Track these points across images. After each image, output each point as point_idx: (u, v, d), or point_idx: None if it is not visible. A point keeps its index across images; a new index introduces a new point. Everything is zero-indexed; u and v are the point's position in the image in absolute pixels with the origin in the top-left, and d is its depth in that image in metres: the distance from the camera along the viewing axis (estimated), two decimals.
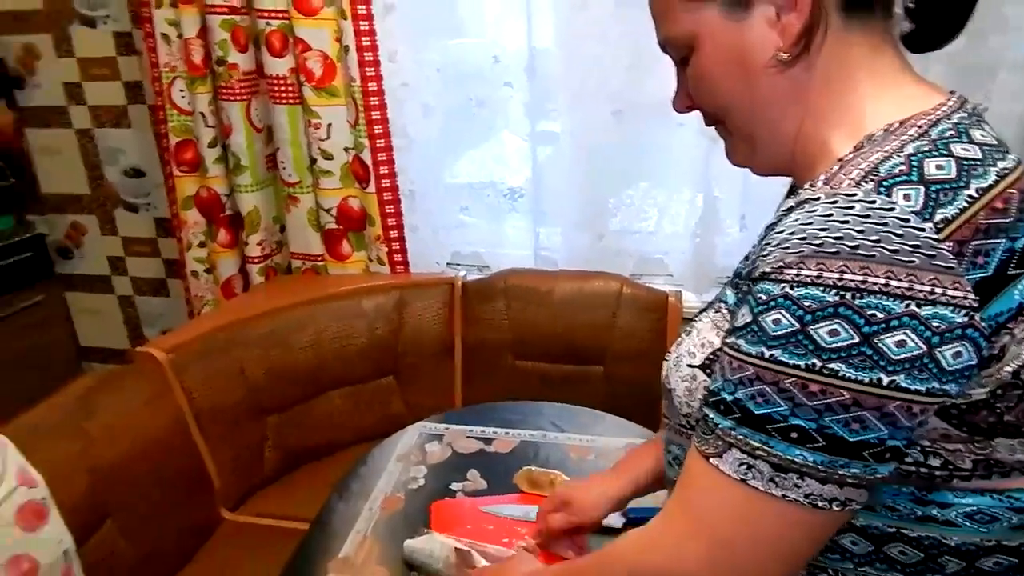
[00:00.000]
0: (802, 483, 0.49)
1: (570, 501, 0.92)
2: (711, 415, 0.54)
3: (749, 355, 0.51)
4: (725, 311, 0.63)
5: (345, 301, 1.74)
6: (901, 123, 0.53)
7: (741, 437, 0.51)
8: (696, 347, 0.64)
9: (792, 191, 0.74)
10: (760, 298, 0.51)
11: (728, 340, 0.54)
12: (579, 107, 1.61)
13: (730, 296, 0.63)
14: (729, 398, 0.52)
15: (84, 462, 1.21)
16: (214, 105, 1.71)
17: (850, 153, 0.55)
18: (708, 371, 0.62)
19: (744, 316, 0.52)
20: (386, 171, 1.72)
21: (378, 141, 1.68)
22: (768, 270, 0.50)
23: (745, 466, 0.51)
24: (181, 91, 1.74)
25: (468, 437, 1.25)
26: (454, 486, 1.11)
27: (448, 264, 1.87)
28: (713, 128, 0.68)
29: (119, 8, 1.88)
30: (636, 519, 1.01)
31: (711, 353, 0.62)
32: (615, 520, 0.98)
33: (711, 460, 0.54)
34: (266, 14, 1.60)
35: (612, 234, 1.74)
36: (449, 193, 1.81)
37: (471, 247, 1.85)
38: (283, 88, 1.67)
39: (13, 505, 1.05)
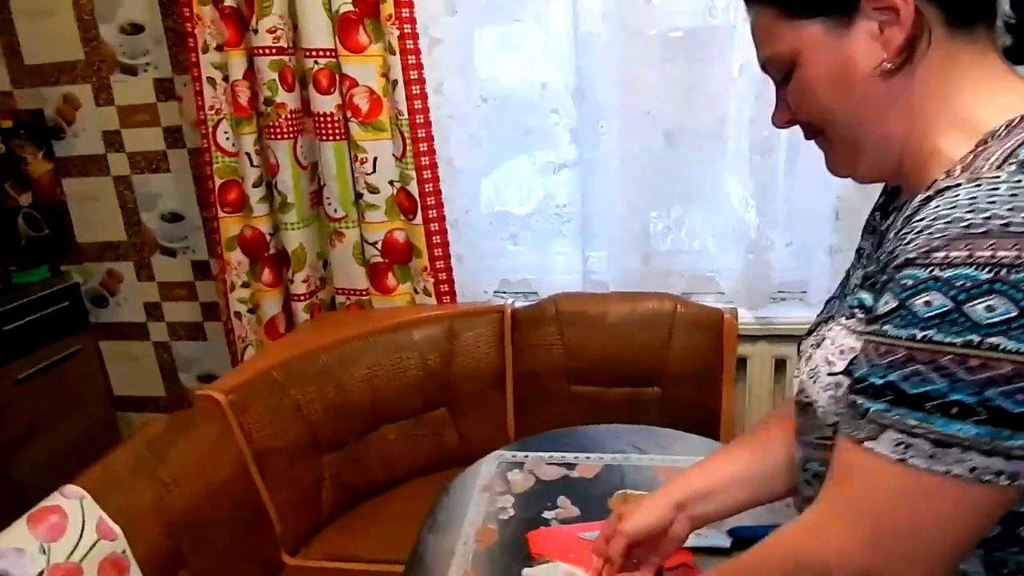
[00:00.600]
0: (965, 457, 0.49)
1: (622, 514, 0.87)
2: (860, 401, 0.55)
3: (898, 339, 0.52)
4: (861, 314, 0.63)
5: (396, 334, 1.73)
6: (1022, 118, 0.55)
7: (897, 417, 0.51)
8: (834, 355, 0.64)
9: (889, 199, 0.76)
10: (906, 284, 0.52)
11: (871, 328, 0.55)
12: (625, 130, 1.62)
13: (867, 298, 0.63)
14: (879, 382, 0.53)
15: (158, 511, 1.18)
16: (259, 144, 1.72)
17: (971, 151, 0.56)
18: None
19: (887, 303, 0.54)
20: (432, 202, 1.73)
21: (425, 172, 1.69)
22: (913, 255, 0.52)
23: (903, 445, 0.51)
24: (226, 133, 1.75)
25: (549, 464, 1.22)
26: (546, 514, 1.09)
27: (495, 292, 1.86)
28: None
29: (160, 55, 1.90)
30: (744, 537, 0.98)
31: (854, 358, 0.62)
32: (721, 540, 0.96)
33: (865, 444, 0.54)
34: (314, 53, 1.62)
35: (660, 255, 1.75)
36: (497, 221, 1.81)
37: (518, 274, 1.85)
38: (330, 125, 1.68)
39: (94, 561, 1.02)
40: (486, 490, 1.16)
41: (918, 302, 0.51)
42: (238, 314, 1.92)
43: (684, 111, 1.57)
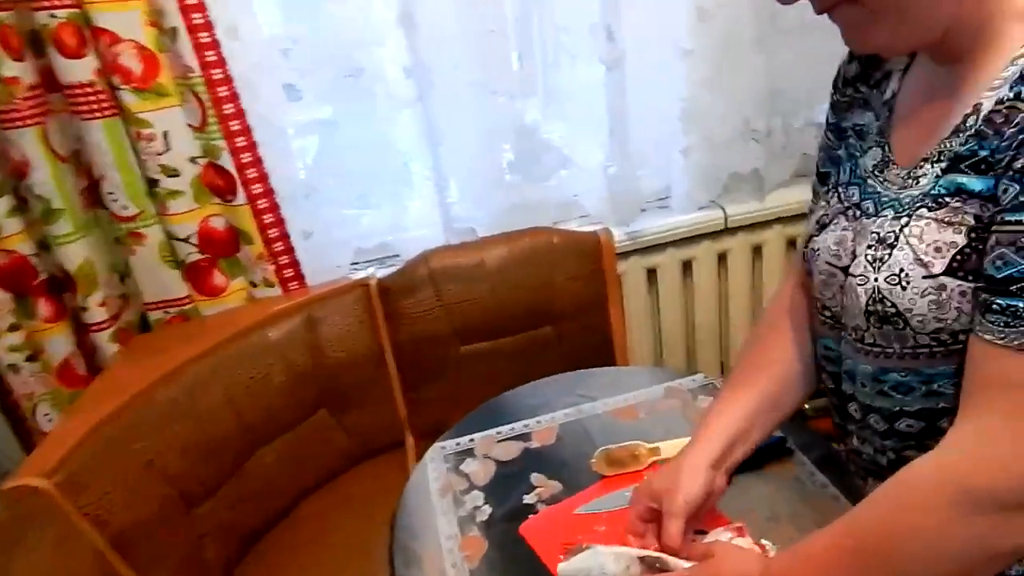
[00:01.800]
0: None
1: (664, 490, 0.78)
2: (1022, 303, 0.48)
3: None
4: (959, 202, 0.56)
5: (247, 340, 1.42)
6: None
7: None
8: (927, 254, 0.57)
9: (865, 68, 0.72)
10: None
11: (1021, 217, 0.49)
12: (467, 57, 1.44)
13: (971, 183, 0.56)
14: None
15: None
16: None
17: None
18: (962, 275, 0.56)
19: None
20: (255, 174, 1.42)
21: (238, 140, 1.37)
22: None
23: None
24: None
25: (501, 441, 1.08)
26: (527, 499, 0.95)
27: (352, 266, 1.61)
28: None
29: None
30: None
31: (957, 253, 0.56)
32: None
33: None
34: (46, 4, 1.19)
35: (521, 187, 1.62)
36: (337, 183, 1.54)
37: (374, 239, 1.62)
38: (91, 98, 1.27)
39: None
40: (446, 492, 0.99)
41: None
42: (13, 366, 1.46)
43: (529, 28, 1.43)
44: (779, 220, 1.71)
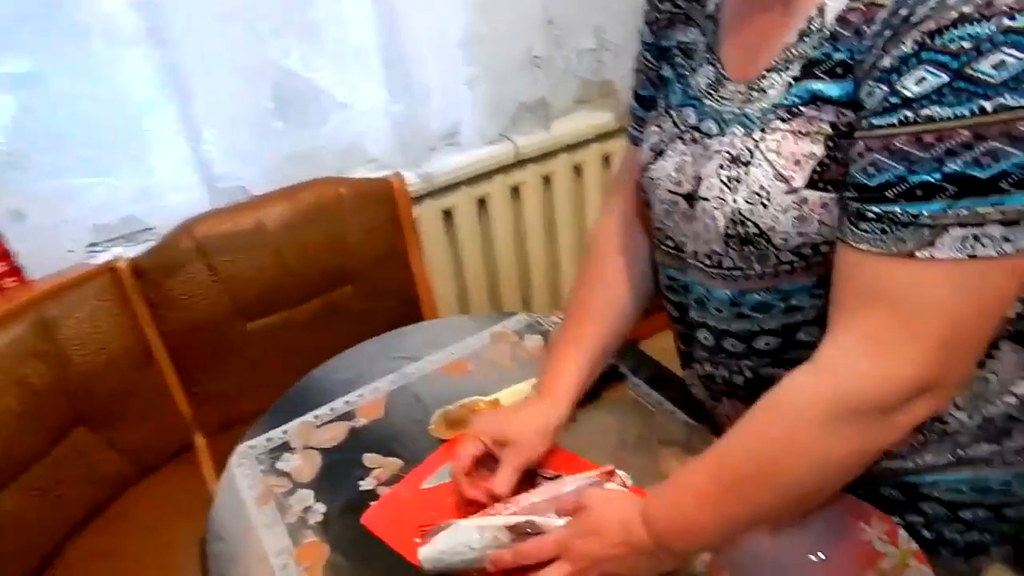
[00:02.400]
0: None
1: (509, 440, 0.75)
2: (908, 207, 0.47)
3: (959, 118, 0.44)
4: (814, 110, 0.53)
5: None
6: None
7: (963, 211, 0.46)
8: (787, 168, 0.55)
9: None
10: (960, 47, 0.44)
11: (904, 117, 0.47)
12: None
13: (827, 88, 0.53)
14: (936, 177, 0.46)
15: None
16: None
17: None
18: (822, 186, 0.53)
19: (926, 81, 0.45)
20: None
21: None
22: (968, 11, 0.43)
23: (970, 240, 0.46)
24: None
25: (322, 425, 0.94)
26: (364, 485, 0.84)
27: (91, 247, 1.30)
28: None
29: None
30: None
31: (817, 165, 0.53)
32: None
33: (918, 255, 0.48)
34: None
35: (293, 134, 1.42)
36: (54, 145, 1.20)
37: (117, 212, 1.31)
38: None
39: None
40: (266, 500, 0.84)
41: (984, 66, 0.43)
42: None
43: None
44: (566, 149, 1.71)
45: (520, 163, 1.67)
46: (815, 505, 0.61)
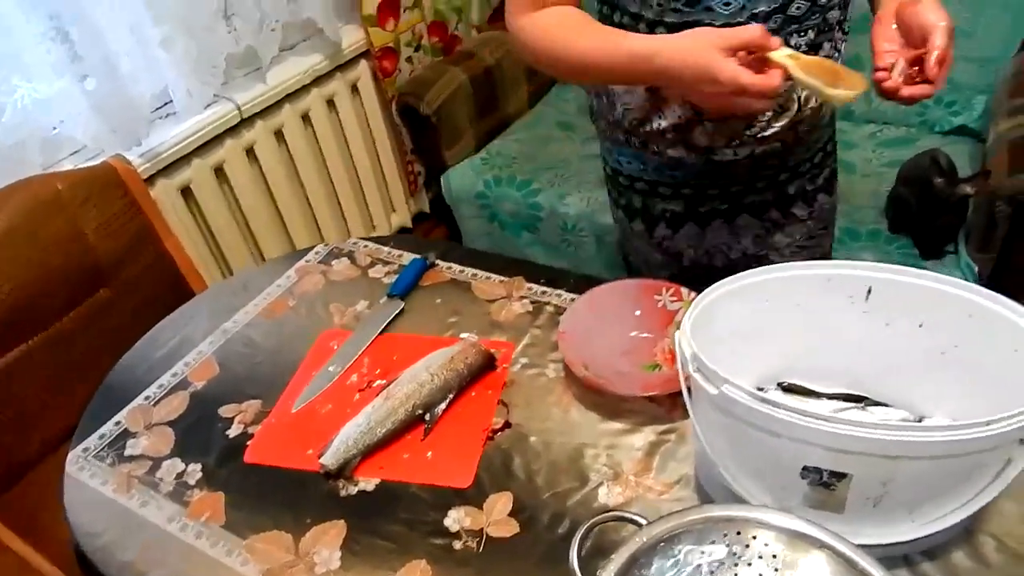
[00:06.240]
0: None
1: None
2: None
3: None
4: None
5: None
6: None
7: None
8: None
9: None
10: None
11: None
12: None
13: None
14: None
15: None
16: None
17: None
18: None
19: None
20: None
21: None
22: None
23: None
24: None
25: (157, 403, 0.88)
26: (232, 433, 0.83)
27: None
28: None
29: None
30: None
31: None
32: None
33: None
34: None
35: None
36: None
37: None
38: None
39: None
40: (128, 486, 0.79)
41: None
42: None
43: None
44: (287, 98, 1.68)
45: (247, 121, 1.61)
46: None
